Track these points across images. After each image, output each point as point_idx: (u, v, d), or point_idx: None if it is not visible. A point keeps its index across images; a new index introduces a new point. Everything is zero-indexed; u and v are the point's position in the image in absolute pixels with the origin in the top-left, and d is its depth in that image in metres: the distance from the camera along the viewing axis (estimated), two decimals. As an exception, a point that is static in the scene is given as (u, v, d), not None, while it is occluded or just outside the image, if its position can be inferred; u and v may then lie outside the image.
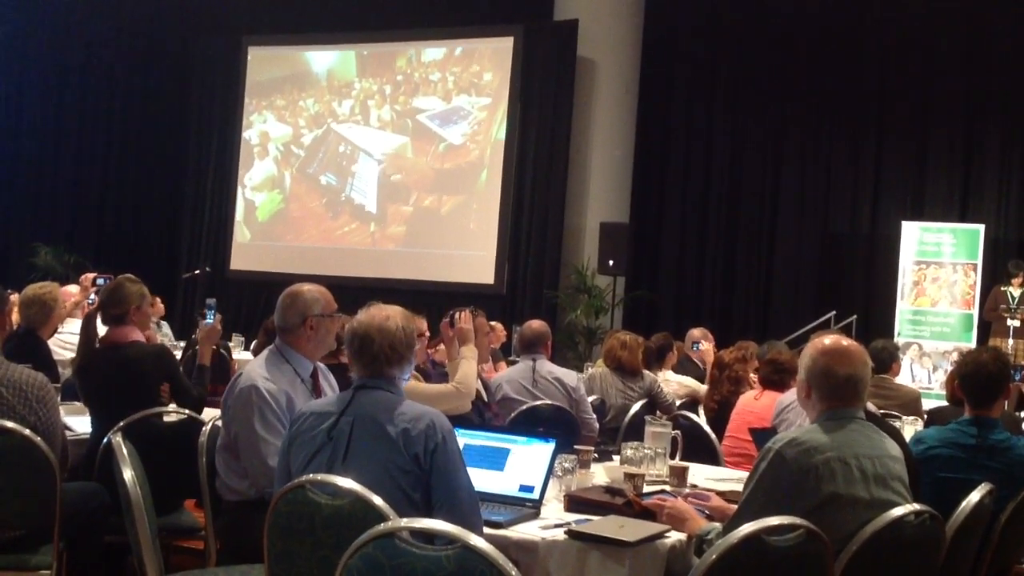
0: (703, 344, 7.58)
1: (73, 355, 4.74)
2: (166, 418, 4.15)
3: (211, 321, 4.94)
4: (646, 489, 3.51)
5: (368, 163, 13.74)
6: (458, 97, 13.29)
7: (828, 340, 3.06)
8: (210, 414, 4.02)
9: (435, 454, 2.85)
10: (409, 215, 13.43)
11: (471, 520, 2.79)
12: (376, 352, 2.97)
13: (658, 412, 5.41)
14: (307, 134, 14.19)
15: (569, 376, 5.77)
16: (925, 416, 5.86)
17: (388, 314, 3.03)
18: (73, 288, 6.94)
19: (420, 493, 2.85)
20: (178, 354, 6.82)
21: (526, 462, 3.36)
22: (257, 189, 14.39)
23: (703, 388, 6.89)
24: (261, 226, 14.35)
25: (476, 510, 2.90)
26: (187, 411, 4.20)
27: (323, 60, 14.24)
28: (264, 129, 14.44)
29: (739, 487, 3.15)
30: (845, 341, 3.06)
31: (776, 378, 5.31)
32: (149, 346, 4.56)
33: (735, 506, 2.98)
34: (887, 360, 6.28)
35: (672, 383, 7.02)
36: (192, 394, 4.39)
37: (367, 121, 13.81)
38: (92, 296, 6.28)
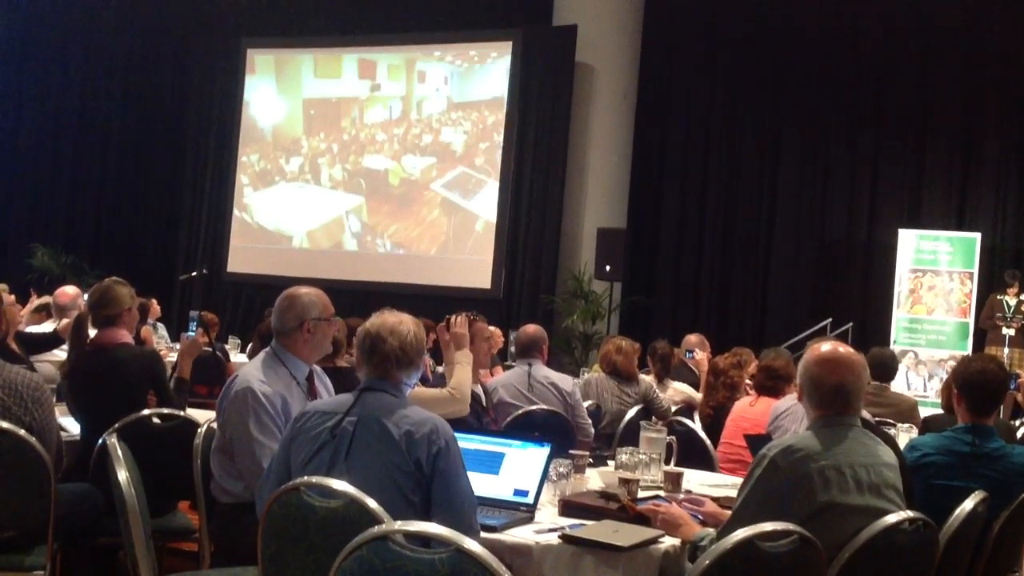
0: (697, 353, 7.59)
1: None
2: (159, 420, 4.14)
3: (193, 334, 4.93)
4: (641, 494, 3.51)
5: (365, 167, 13.80)
6: (455, 103, 13.30)
7: (825, 347, 3.05)
8: (205, 416, 4.02)
9: (438, 459, 2.87)
10: (407, 218, 13.44)
11: (469, 526, 2.81)
12: (387, 352, 3.01)
13: (654, 418, 5.41)
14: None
15: (565, 381, 5.77)
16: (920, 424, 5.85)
17: (400, 319, 3.09)
18: (70, 289, 6.92)
19: (419, 496, 2.86)
20: (174, 356, 6.80)
21: (521, 466, 3.36)
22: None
23: (698, 394, 6.90)
24: (258, 229, 14.37)
25: (474, 516, 2.91)
26: (181, 413, 4.20)
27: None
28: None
29: (734, 493, 3.15)
30: (842, 349, 3.05)
31: (770, 384, 5.31)
32: (139, 349, 4.56)
33: (729, 512, 2.98)
34: (893, 368, 6.28)
35: (669, 389, 7.03)
36: (174, 406, 4.34)
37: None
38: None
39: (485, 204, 12.97)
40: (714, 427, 5.57)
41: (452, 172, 13.27)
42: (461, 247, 13.14)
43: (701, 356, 7.56)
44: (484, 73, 13.24)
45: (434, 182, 13.32)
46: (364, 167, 13.82)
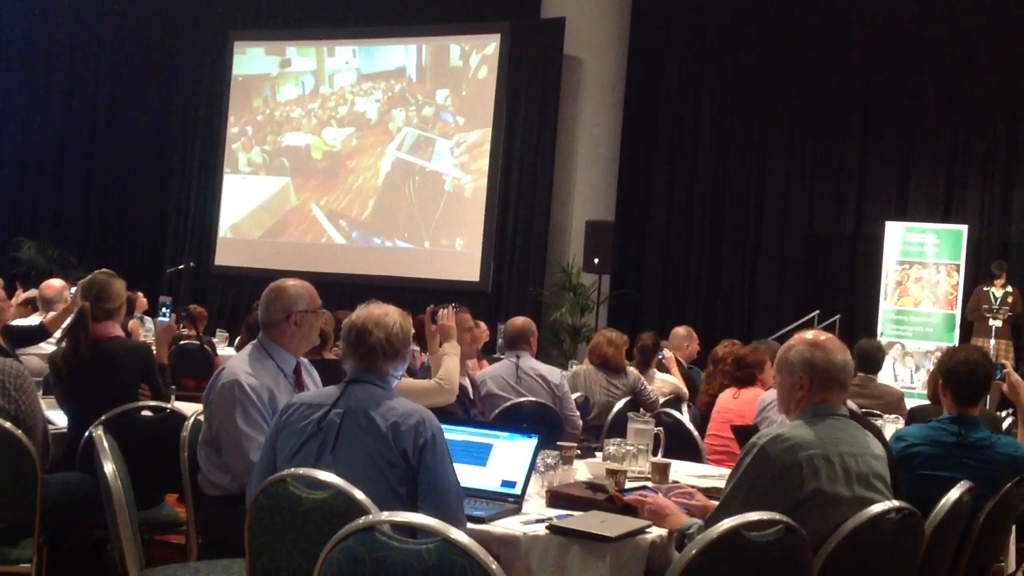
0: (666, 352, 7.57)
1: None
2: (147, 412, 4.13)
3: (166, 320, 4.93)
4: (628, 485, 3.51)
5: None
6: (445, 96, 13.29)
7: (810, 335, 3.09)
8: (192, 409, 4.01)
9: (424, 450, 2.86)
10: (396, 212, 13.42)
11: (456, 517, 2.81)
12: (373, 344, 3.01)
13: (641, 409, 5.42)
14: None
15: (553, 373, 5.77)
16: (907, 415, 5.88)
17: (386, 311, 3.09)
18: (56, 282, 6.89)
19: (406, 488, 2.86)
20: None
21: (508, 457, 3.36)
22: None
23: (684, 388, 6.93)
24: (246, 222, 14.35)
25: (461, 508, 2.92)
26: (168, 405, 4.18)
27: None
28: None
29: (721, 484, 3.16)
30: (823, 335, 3.10)
31: (741, 374, 5.34)
32: (132, 342, 4.55)
33: (716, 502, 2.99)
34: (879, 359, 6.30)
35: (656, 380, 7.04)
36: (162, 397, 4.34)
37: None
38: None
39: (473, 197, 12.97)
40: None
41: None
42: (449, 239, 13.14)
43: (671, 355, 7.55)
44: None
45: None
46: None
